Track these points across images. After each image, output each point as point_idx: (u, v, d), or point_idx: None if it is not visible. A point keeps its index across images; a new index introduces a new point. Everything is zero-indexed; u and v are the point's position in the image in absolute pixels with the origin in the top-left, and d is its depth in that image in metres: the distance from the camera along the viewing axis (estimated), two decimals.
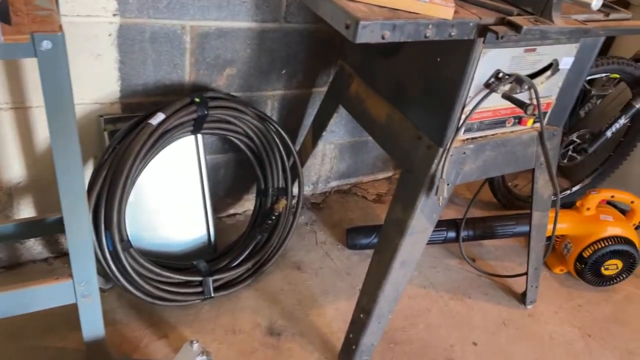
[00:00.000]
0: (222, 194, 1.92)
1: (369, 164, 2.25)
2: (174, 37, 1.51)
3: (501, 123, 1.34)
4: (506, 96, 1.22)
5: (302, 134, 1.93)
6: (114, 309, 1.54)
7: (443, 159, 1.26)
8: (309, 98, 1.87)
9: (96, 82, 1.47)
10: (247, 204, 1.99)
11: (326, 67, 1.84)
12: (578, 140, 2.16)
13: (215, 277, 1.59)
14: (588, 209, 1.90)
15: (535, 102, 1.28)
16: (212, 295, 1.57)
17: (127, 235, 1.42)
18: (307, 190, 2.14)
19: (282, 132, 1.73)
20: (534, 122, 1.39)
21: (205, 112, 1.52)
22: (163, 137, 1.45)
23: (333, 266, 1.82)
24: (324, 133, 1.79)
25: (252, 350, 1.50)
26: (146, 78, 1.54)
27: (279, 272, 1.76)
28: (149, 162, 1.46)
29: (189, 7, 1.48)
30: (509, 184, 2.27)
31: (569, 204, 1.96)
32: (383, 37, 0.95)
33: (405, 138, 1.37)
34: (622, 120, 2.11)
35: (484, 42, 1.06)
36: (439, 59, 1.20)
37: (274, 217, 1.72)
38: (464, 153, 1.30)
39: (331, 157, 2.10)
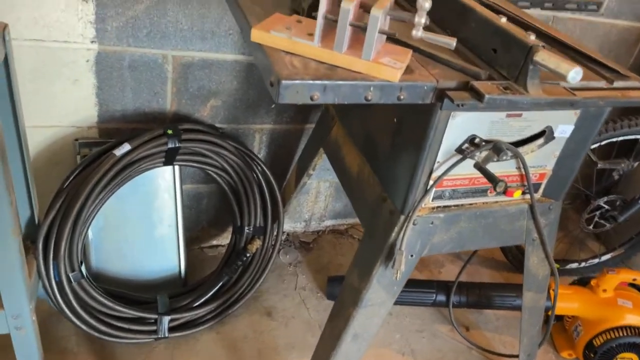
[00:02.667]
0: (205, 223, 1.86)
1: None
2: (154, 66, 1.46)
3: (481, 192, 1.18)
4: (478, 166, 1.07)
5: (292, 171, 1.84)
6: (69, 337, 1.50)
7: (404, 228, 1.12)
8: (301, 134, 1.78)
9: (73, 106, 1.45)
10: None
11: (319, 104, 1.74)
12: (607, 207, 1.93)
13: (174, 315, 1.52)
14: (604, 290, 1.66)
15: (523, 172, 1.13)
16: (167, 335, 1.50)
17: (79, 266, 1.37)
18: (299, 227, 2.03)
19: (265, 168, 1.64)
20: (524, 193, 1.22)
21: (177, 145, 1.46)
22: (129, 168, 1.40)
23: (306, 317, 1.70)
24: (307, 174, 1.69)
25: None
26: (125, 104, 1.50)
27: (247, 316, 1.66)
28: (113, 191, 1.41)
29: (170, 37, 1.43)
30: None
31: (584, 280, 1.74)
32: (312, 99, 0.84)
33: (371, 197, 1.24)
34: None
35: (440, 109, 0.92)
36: (395, 120, 1.07)
37: (245, 258, 1.63)
38: (432, 223, 1.15)
39: (326, 195, 1.98)
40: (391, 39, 0.93)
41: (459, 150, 1.07)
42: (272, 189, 1.66)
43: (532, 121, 1.09)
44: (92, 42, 1.36)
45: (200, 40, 1.46)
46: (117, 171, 1.37)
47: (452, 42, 0.88)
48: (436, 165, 1.08)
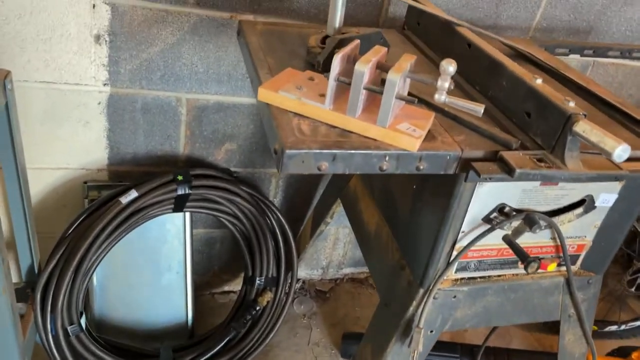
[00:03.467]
0: (216, 268, 1.78)
1: None
2: (168, 109, 1.41)
3: (510, 264, 1.06)
4: (507, 240, 0.96)
5: (308, 217, 1.75)
6: None
7: (423, 302, 1.01)
8: (319, 179, 1.69)
9: (83, 148, 1.40)
10: None
11: None
12: None
13: None
14: None
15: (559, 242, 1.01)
16: None
17: (78, 318, 1.30)
18: (315, 275, 1.93)
19: (280, 215, 1.56)
20: (560, 265, 1.09)
21: (188, 191, 1.39)
22: (136, 215, 1.34)
23: None
24: (325, 222, 1.60)
25: None
26: (136, 147, 1.45)
27: None
28: (119, 239, 1.35)
29: (185, 80, 1.37)
30: None
31: (624, 351, 1.58)
32: (319, 169, 0.76)
33: (388, 261, 1.14)
34: None
35: (465, 180, 0.82)
36: (414, 187, 0.98)
37: (254, 312, 1.53)
38: (455, 296, 1.04)
39: (345, 241, 1.88)
40: None
41: (487, 219, 0.97)
42: (287, 238, 1.57)
43: (570, 189, 0.98)
44: (104, 84, 1.32)
45: (216, 83, 1.40)
46: (123, 219, 1.31)
47: (480, 109, 0.78)
48: (460, 235, 0.97)
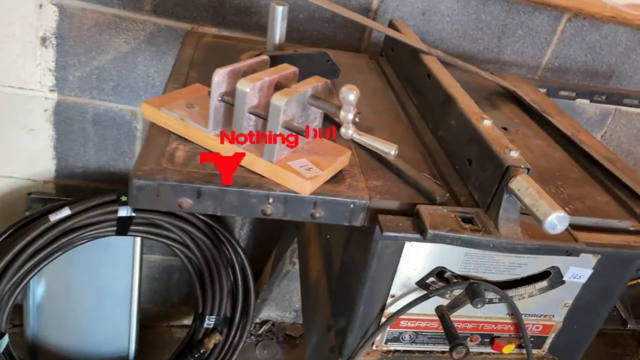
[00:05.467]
0: (175, 299, 1.65)
1: None
2: (122, 123, 1.31)
3: None
4: (439, 313, 0.78)
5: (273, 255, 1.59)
6: None
7: None
8: None
9: (29, 157, 1.32)
10: None
11: None
12: None
13: None
14: None
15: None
16: None
17: None
18: (287, 317, 1.77)
19: (240, 250, 1.42)
20: (519, 346, 0.90)
21: (131, 214, 1.27)
22: (69, 234, 1.23)
23: None
24: (292, 261, 1.44)
25: None
26: (87, 161, 1.35)
27: None
28: (50, 259, 1.24)
29: (140, 92, 1.28)
30: None
31: None
32: (181, 206, 0.61)
33: (319, 320, 0.97)
34: None
35: (373, 234, 0.66)
36: (345, 235, 0.82)
37: (198, 354, 1.38)
38: None
39: None
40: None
41: (423, 284, 0.79)
42: (246, 275, 1.43)
43: (529, 257, 0.79)
44: (51, 90, 1.24)
45: None
46: (53, 238, 1.20)
47: (391, 149, 0.62)
48: (390, 299, 0.80)
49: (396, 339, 0.86)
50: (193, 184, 0.60)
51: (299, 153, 0.66)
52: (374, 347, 0.86)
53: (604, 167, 0.84)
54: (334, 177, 0.67)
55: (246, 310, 1.45)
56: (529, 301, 0.84)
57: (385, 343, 0.86)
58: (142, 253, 1.42)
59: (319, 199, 0.63)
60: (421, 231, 0.61)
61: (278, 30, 0.90)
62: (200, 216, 1.37)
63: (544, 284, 0.82)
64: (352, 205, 0.64)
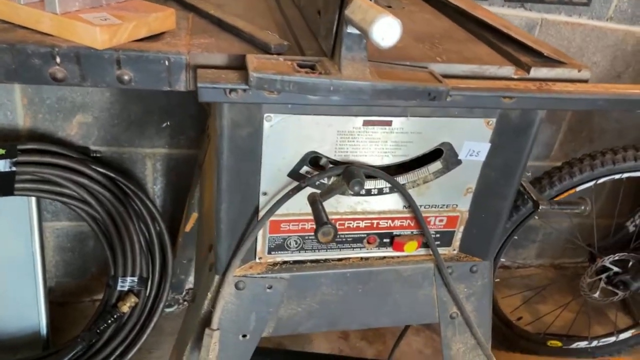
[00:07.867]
0: (94, 270, 1.52)
1: None
2: None
3: (352, 242, 0.78)
4: (311, 200, 0.68)
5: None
6: None
7: (219, 294, 0.73)
8: None
9: None
10: None
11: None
12: (615, 268, 1.43)
13: None
14: None
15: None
16: None
17: None
18: None
19: (149, 203, 1.30)
20: (425, 245, 0.80)
21: (11, 168, 1.14)
22: None
23: None
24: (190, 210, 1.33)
25: None
26: None
27: None
28: None
29: None
30: (510, 316, 1.58)
31: None
32: None
33: (206, 242, 0.86)
34: None
35: (196, 98, 0.55)
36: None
37: (112, 319, 1.26)
38: (270, 287, 0.76)
39: None
40: None
41: (296, 175, 0.69)
42: (161, 231, 1.31)
43: (414, 133, 0.69)
44: None
45: None
46: None
47: None
48: (262, 199, 0.70)
49: (281, 247, 0.75)
50: None
51: (101, 8, 0.55)
52: (257, 260, 0.75)
53: (494, 28, 0.74)
54: (151, 37, 0.55)
55: (164, 268, 1.33)
56: (424, 189, 0.74)
57: (269, 253, 0.75)
58: (40, 216, 1.29)
59: (122, 56, 0.52)
60: (245, 79, 0.51)
61: None
62: (100, 169, 1.24)
63: (437, 165, 0.73)
64: (166, 62, 0.53)
